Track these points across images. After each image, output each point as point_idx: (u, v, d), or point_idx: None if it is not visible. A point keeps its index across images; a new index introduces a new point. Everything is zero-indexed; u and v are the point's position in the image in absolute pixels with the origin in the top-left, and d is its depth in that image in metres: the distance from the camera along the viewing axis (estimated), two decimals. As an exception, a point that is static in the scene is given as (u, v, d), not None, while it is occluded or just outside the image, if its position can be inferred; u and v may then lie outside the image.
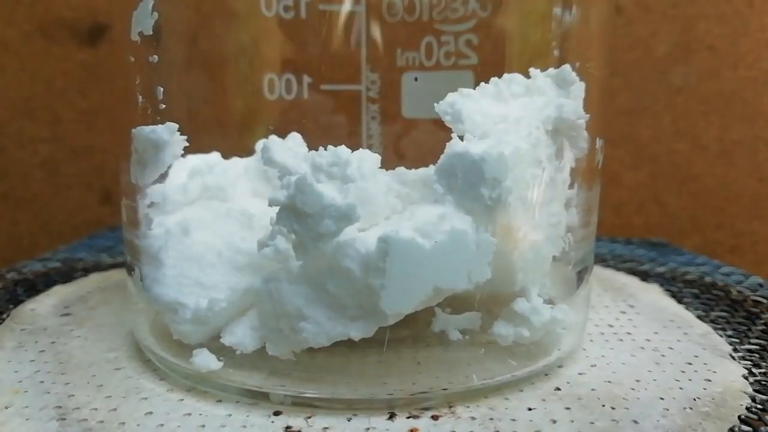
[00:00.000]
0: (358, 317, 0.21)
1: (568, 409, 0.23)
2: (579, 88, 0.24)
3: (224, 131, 0.27)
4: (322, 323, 0.21)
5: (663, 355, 0.27)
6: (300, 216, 0.21)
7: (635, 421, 0.22)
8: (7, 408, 0.23)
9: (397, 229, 0.20)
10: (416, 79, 0.23)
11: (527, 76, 0.24)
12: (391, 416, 0.22)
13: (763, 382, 0.25)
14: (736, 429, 0.21)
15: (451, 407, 0.23)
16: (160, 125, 0.23)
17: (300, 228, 0.21)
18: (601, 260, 0.44)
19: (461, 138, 0.22)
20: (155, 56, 0.23)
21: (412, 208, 0.22)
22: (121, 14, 0.24)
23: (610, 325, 0.31)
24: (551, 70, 0.24)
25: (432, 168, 0.22)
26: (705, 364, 0.26)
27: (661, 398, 0.24)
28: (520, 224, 0.23)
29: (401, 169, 0.24)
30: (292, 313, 0.21)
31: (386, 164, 0.24)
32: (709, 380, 0.25)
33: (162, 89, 0.24)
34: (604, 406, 0.23)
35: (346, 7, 0.22)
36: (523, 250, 0.23)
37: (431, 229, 0.21)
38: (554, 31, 0.24)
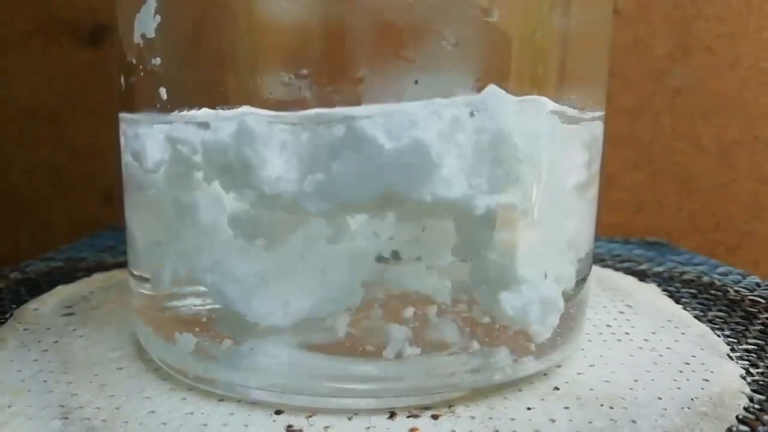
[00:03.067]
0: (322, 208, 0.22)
1: (566, 408, 0.23)
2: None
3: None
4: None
5: (661, 355, 0.27)
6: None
7: (633, 421, 0.22)
8: (9, 407, 0.23)
9: (369, 122, 0.21)
10: (416, 82, 0.23)
11: (528, 78, 0.24)
12: (392, 415, 0.22)
13: (761, 382, 0.25)
14: (734, 429, 0.22)
15: (450, 407, 0.23)
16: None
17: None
18: (600, 260, 0.44)
19: None
20: (158, 58, 0.24)
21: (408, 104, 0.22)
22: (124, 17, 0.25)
23: (608, 326, 0.31)
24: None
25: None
26: (703, 364, 0.27)
27: (659, 398, 0.24)
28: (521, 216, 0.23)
29: None
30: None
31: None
32: (707, 380, 0.25)
33: (165, 90, 0.24)
34: (602, 405, 0.23)
35: (347, 9, 0.22)
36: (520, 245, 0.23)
37: (399, 134, 0.21)
38: (554, 33, 0.24)
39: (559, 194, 0.24)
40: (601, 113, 0.27)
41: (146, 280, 0.26)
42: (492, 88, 0.21)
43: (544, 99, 0.23)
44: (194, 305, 0.25)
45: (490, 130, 0.21)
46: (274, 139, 0.21)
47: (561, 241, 0.24)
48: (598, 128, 0.27)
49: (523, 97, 0.22)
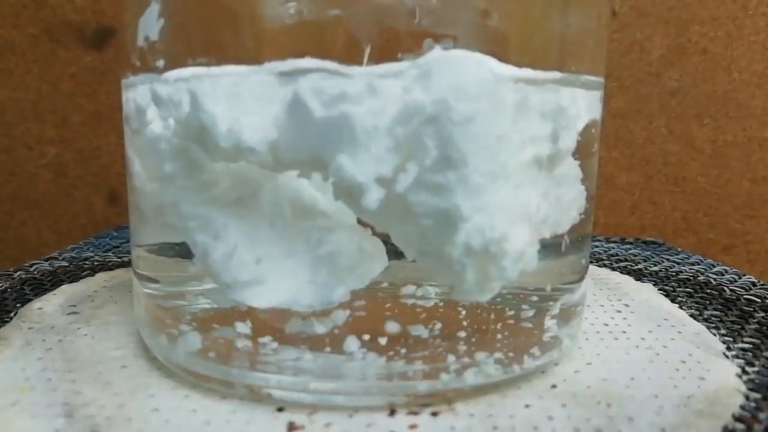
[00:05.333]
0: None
1: (564, 406, 0.23)
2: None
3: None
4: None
5: (657, 354, 0.28)
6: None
7: (630, 419, 0.22)
8: (14, 405, 0.23)
9: (311, 86, 0.21)
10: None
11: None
12: (392, 412, 0.23)
13: (757, 381, 0.25)
14: (730, 427, 0.22)
15: (450, 404, 0.23)
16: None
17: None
18: (597, 259, 0.44)
19: None
20: (161, 60, 0.24)
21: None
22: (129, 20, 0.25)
23: (606, 324, 0.31)
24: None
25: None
26: (699, 362, 0.27)
27: (656, 396, 0.24)
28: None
29: None
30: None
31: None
32: (703, 378, 0.25)
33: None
34: (599, 403, 0.23)
35: (347, 11, 0.22)
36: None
37: (331, 104, 0.21)
38: (552, 35, 0.24)
39: (505, 164, 0.21)
40: (575, 78, 0.25)
41: (150, 279, 0.27)
42: (435, 50, 0.21)
43: (486, 57, 0.21)
44: (197, 304, 0.26)
45: (424, 91, 0.20)
46: (228, 95, 0.22)
47: (508, 215, 0.22)
48: (566, 97, 0.24)
49: (462, 53, 0.21)
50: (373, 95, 0.20)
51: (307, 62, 0.21)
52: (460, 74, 0.21)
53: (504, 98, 0.21)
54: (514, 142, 0.22)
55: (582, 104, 0.25)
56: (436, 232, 0.21)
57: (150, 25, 0.24)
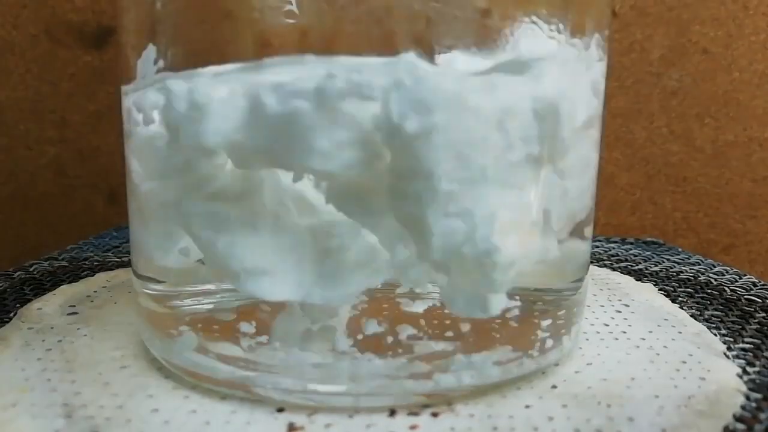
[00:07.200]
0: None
1: (564, 406, 0.23)
2: None
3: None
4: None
5: (658, 354, 0.28)
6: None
7: (631, 419, 0.22)
8: (14, 406, 0.23)
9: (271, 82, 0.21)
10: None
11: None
12: (392, 413, 0.23)
13: (757, 381, 0.25)
14: (731, 427, 0.22)
15: (450, 405, 0.23)
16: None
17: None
18: (598, 259, 0.44)
19: None
20: (161, 61, 0.24)
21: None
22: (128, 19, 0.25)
23: (606, 324, 0.31)
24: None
25: None
26: (699, 362, 0.27)
27: (656, 396, 0.24)
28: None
29: None
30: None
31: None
32: (704, 378, 0.25)
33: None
34: (599, 403, 0.23)
35: (347, 12, 0.22)
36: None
37: (285, 99, 0.20)
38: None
39: (485, 168, 0.21)
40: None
41: (150, 279, 0.27)
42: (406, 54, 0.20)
43: (455, 57, 0.21)
44: (197, 304, 0.26)
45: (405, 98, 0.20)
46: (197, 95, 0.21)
47: (497, 218, 0.21)
48: (553, 88, 0.22)
49: (423, 61, 0.21)
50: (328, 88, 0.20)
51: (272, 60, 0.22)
52: (419, 83, 0.20)
53: (474, 104, 0.21)
54: (496, 144, 0.21)
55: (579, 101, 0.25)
56: (415, 238, 0.21)
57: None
